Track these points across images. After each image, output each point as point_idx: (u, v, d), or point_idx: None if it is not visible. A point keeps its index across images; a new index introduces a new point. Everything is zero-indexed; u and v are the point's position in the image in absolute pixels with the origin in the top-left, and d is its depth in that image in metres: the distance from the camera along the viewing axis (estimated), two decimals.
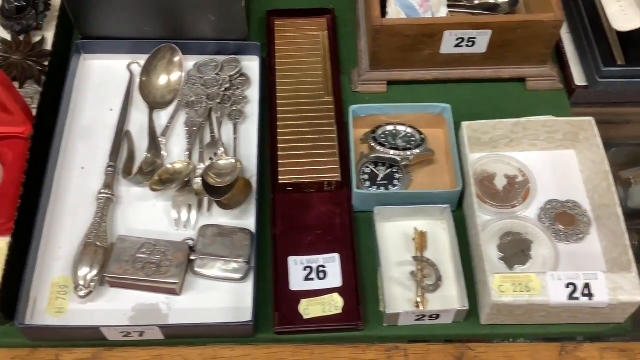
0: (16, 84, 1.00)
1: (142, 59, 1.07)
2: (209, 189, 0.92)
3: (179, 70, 1.05)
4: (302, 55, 1.06)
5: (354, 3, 1.15)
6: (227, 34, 1.06)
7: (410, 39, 0.99)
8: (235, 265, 0.88)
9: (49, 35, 1.08)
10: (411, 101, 1.04)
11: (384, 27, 0.98)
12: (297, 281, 0.89)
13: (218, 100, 1.02)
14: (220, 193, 0.92)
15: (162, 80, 1.04)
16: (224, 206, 0.92)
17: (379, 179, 0.97)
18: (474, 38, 0.99)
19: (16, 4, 1.06)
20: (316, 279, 0.89)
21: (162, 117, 1.03)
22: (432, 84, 1.07)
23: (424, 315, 0.85)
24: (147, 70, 1.04)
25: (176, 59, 1.05)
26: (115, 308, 0.86)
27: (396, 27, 0.98)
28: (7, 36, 1.07)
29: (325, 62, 1.06)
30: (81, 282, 0.85)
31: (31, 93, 1.03)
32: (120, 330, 0.83)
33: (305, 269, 0.90)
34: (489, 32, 0.98)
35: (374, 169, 0.98)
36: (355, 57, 1.10)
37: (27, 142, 0.95)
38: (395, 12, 1.02)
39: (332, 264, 0.90)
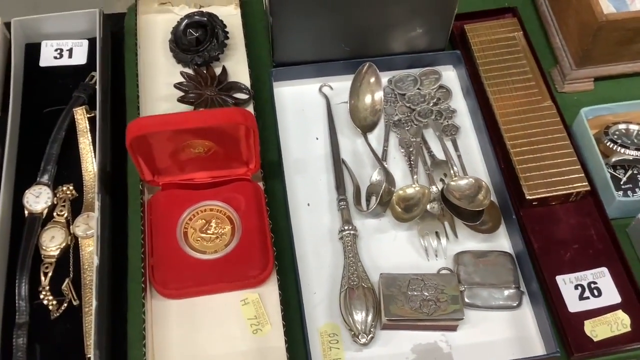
0: None
1: (330, 80, 1.01)
2: (457, 211, 0.87)
3: (379, 89, 0.98)
4: (505, 59, 1.00)
5: (527, 5, 1.11)
6: (426, 45, 1.00)
7: (631, 33, 0.94)
8: (506, 292, 0.83)
9: (228, 65, 1.01)
10: (621, 96, 0.99)
11: (608, 23, 0.92)
12: (573, 302, 0.84)
13: (433, 117, 0.97)
14: (474, 216, 0.86)
15: (367, 101, 0.98)
16: (479, 230, 0.87)
17: (621, 182, 0.92)
18: None
19: (196, 35, 1.00)
20: (591, 297, 0.84)
21: (369, 140, 0.97)
22: (637, 77, 1.03)
23: None
24: (354, 92, 0.97)
25: (374, 78, 0.98)
26: (395, 352, 0.80)
27: (620, 21, 0.93)
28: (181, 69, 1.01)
29: (530, 65, 1.00)
30: (360, 328, 0.79)
31: None
32: None
33: (576, 287, 0.85)
34: None
35: (613, 172, 0.93)
36: (547, 55, 1.05)
37: (253, 184, 0.89)
38: (605, 5, 0.97)
39: (603, 279, 0.85)
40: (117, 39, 1.06)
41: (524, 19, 1.07)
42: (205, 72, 0.99)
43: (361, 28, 0.96)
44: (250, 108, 0.97)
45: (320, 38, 0.97)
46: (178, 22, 1.02)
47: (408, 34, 0.97)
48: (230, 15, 1.06)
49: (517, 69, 0.99)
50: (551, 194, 0.88)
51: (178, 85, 0.97)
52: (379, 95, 0.98)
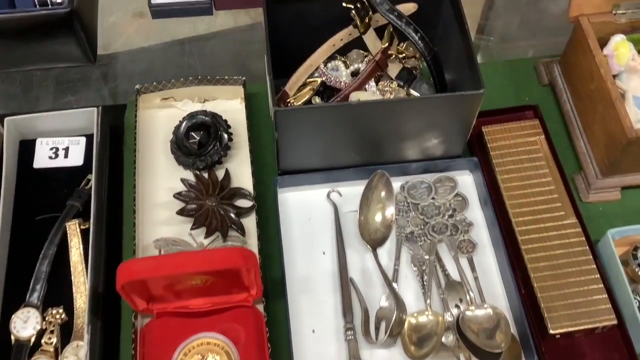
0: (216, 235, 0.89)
1: (339, 185, 0.95)
2: (473, 347, 0.81)
3: (391, 202, 0.92)
4: (525, 168, 0.94)
5: (550, 95, 1.04)
6: (442, 152, 0.94)
7: None
8: None
9: (232, 167, 0.96)
10: None
11: (638, 139, 0.86)
12: None
13: (448, 233, 0.91)
14: (492, 356, 0.80)
15: (378, 216, 0.92)
16: None
17: None
18: None
19: (198, 138, 0.94)
20: None
21: (380, 255, 0.91)
22: None
23: None
24: (364, 205, 0.91)
25: (385, 190, 0.92)
26: None
27: None
28: (184, 173, 0.95)
29: (553, 174, 0.94)
30: None
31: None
32: None
33: None
34: None
35: None
36: (570, 158, 0.98)
37: (253, 310, 0.83)
38: (634, 113, 0.91)
39: None
40: (117, 134, 1.01)
41: (546, 117, 1.01)
42: (207, 177, 0.94)
43: (373, 140, 0.90)
44: (252, 217, 0.91)
45: (328, 149, 0.91)
46: (180, 122, 0.97)
47: (423, 144, 0.92)
48: (236, 110, 1.01)
49: (539, 179, 0.93)
50: (576, 328, 0.82)
51: (177, 196, 0.92)
52: (391, 210, 0.92)
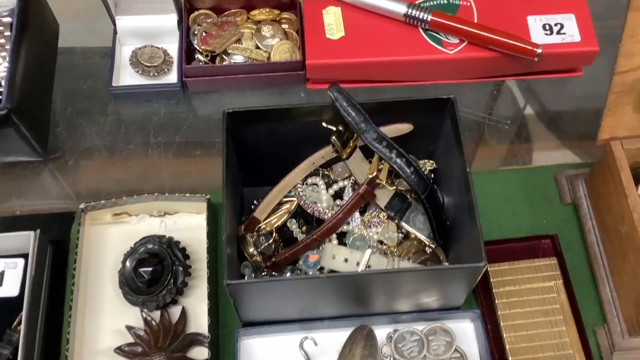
0: None
1: (314, 333, 0.80)
2: None
3: (374, 357, 0.78)
4: (537, 324, 0.79)
5: (573, 217, 0.88)
6: (440, 305, 0.79)
7: None
8: None
9: (190, 303, 0.82)
10: None
11: None
12: None
13: None
14: None
15: None
16: None
17: None
18: None
19: (148, 277, 0.80)
20: None
21: None
22: None
23: None
24: None
25: (370, 345, 0.77)
26: None
27: None
28: (133, 319, 0.81)
29: (570, 333, 0.78)
30: None
31: None
32: None
33: None
34: None
35: None
36: (593, 305, 0.82)
37: None
38: None
39: None
40: (62, 252, 0.87)
41: (566, 244, 0.85)
42: (158, 323, 0.80)
43: (355, 301, 0.75)
44: None
45: (301, 308, 0.77)
46: (128, 251, 0.82)
47: (417, 302, 0.76)
48: (201, 228, 0.86)
49: (553, 339, 0.78)
50: None
51: (119, 352, 0.78)
52: None
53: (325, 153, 0.81)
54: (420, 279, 0.70)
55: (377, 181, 0.77)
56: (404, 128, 0.79)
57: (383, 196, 0.81)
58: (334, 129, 0.76)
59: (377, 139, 0.74)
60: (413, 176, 0.74)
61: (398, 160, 0.74)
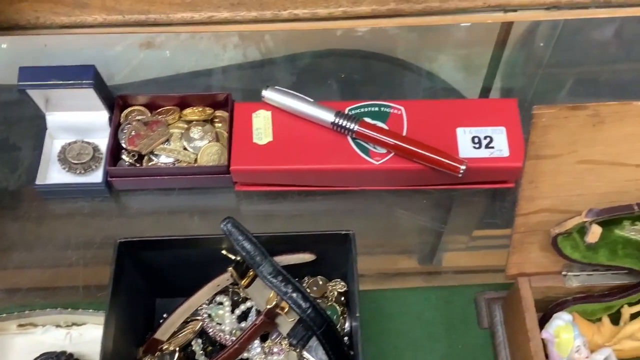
0: None
1: None
2: None
3: None
4: None
5: (488, 344, 0.85)
6: None
7: None
8: None
9: None
10: None
11: None
12: None
13: None
14: None
15: None
16: None
17: None
18: None
19: None
20: None
21: None
22: None
23: None
24: None
25: None
26: None
27: None
28: None
29: None
30: None
31: None
32: None
33: None
34: None
35: None
36: None
37: None
38: None
39: None
40: None
41: None
42: None
43: None
44: None
45: None
46: None
47: None
48: None
49: None
50: None
51: None
52: None
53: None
54: None
55: (277, 311, 0.75)
56: (306, 257, 0.77)
57: (286, 322, 0.79)
58: (233, 257, 0.74)
59: (273, 273, 0.72)
60: (309, 311, 0.72)
61: (294, 295, 0.72)
